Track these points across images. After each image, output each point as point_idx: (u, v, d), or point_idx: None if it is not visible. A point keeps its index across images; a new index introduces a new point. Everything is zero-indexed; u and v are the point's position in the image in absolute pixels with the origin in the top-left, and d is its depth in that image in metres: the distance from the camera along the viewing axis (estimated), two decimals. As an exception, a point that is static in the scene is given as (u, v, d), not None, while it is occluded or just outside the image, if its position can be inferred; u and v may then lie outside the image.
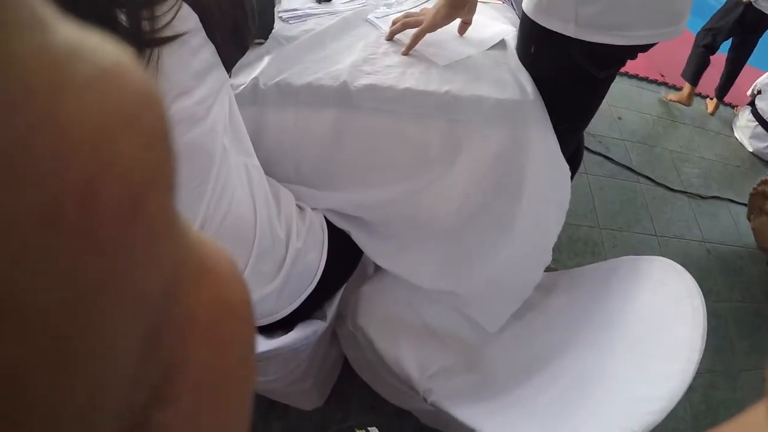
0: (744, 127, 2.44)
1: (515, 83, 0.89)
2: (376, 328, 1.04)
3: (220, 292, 0.13)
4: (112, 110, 0.09)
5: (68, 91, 0.08)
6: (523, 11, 0.92)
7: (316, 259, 0.89)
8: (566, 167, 0.97)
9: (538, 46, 0.92)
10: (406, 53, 0.96)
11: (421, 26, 0.94)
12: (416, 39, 0.95)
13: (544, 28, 0.88)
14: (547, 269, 1.07)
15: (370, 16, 1.10)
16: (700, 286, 1.96)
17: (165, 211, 0.10)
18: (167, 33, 0.62)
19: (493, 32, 1.03)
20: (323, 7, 1.17)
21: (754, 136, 2.39)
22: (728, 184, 2.26)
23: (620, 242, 1.87)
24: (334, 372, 1.33)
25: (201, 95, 0.67)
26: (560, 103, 0.94)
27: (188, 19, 0.63)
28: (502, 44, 1.01)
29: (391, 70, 0.90)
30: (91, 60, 0.09)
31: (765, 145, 2.37)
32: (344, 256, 0.98)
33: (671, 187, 2.13)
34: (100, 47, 0.10)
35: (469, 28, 1.01)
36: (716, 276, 1.93)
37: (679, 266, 0.97)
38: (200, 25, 0.65)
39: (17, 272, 0.07)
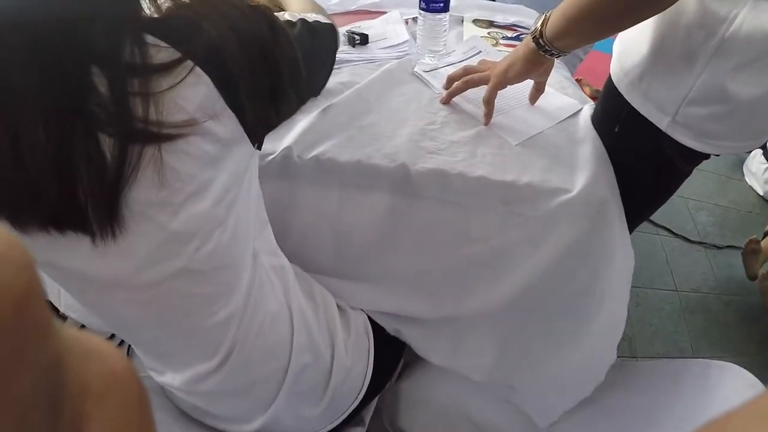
0: (756, 170, 2.40)
1: (599, 173, 0.76)
2: (420, 430, 0.90)
3: (104, 365, 0.15)
4: None
5: None
6: (612, 84, 0.79)
7: (361, 373, 0.74)
8: (633, 263, 0.85)
9: (625, 127, 0.79)
10: (487, 124, 0.82)
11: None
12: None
13: (636, 111, 0.76)
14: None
15: (417, 70, 0.96)
16: (721, 344, 1.88)
17: (41, 311, 0.12)
18: (170, 120, 0.44)
19: (564, 103, 0.90)
20: (358, 52, 1.02)
21: (765, 180, 2.35)
22: (742, 231, 2.20)
23: (643, 300, 1.78)
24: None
25: (218, 189, 0.50)
26: (635, 189, 0.82)
27: (197, 86, 0.45)
28: (574, 115, 0.88)
29: (458, 150, 0.76)
30: None
31: (777, 187, 2.33)
32: (388, 359, 0.84)
33: (689, 238, 2.06)
34: None
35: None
36: (734, 330, 1.86)
37: (751, 376, 0.89)
38: (215, 91, 0.46)
39: None
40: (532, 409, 0.95)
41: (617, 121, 0.80)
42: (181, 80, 0.43)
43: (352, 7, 1.23)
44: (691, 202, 2.24)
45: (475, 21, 1.19)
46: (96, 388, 0.15)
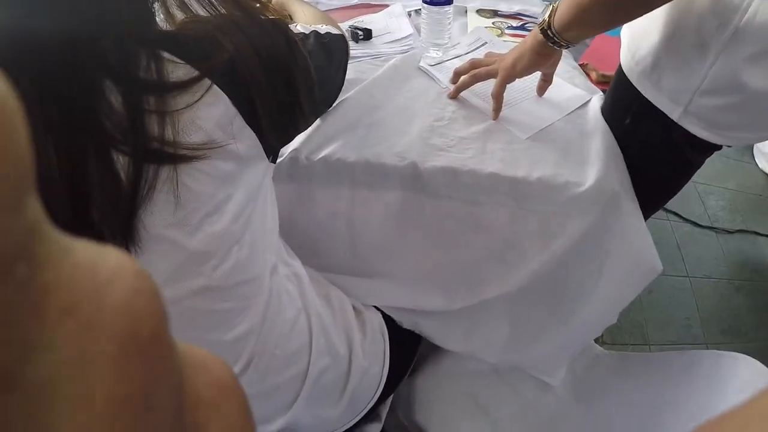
0: (767, 152, 2.36)
1: (610, 166, 0.75)
2: (436, 424, 0.92)
3: (212, 376, 0.17)
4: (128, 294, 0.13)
5: (97, 302, 0.12)
6: (623, 75, 0.78)
7: (378, 373, 0.75)
8: (652, 248, 0.85)
9: (636, 118, 0.78)
10: (495, 118, 0.81)
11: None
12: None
13: (648, 101, 0.74)
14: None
15: (423, 64, 0.95)
16: (733, 330, 1.87)
17: (170, 334, 0.14)
18: (186, 141, 0.43)
19: (572, 93, 0.88)
20: (362, 48, 1.01)
21: (779, 161, 2.32)
22: (751, 215, 2.18)
23: (655, 287, 1.77)
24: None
25: (235, 207, 0.50)
26: (646, 181, 0.81)
27: (215, 105, 0.44)
28: (582, 106, 0.87)
29: (468, 146, 0.75)
30: (103, 269, 0.12)
31: (788, 170, 2.30)
32: (403, 357, 0.84)
33: (699, 223, 2.04)
34: (101, 257, 0.12)
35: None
36: (745, 316, 1.85)
37: (763, 367, 0.91)
38: (233, 109, 0.46)
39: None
40: (541, 373, 0.98)
41: (628, 112, 0.78)
42: (199, 99, 0.43)
43: (354, 1, 1.22)
44: (700, 186, 2.22)
45: (479, 11, 1.17)
46: (207, 398, 0.16)
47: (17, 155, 0.10)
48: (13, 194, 0.10)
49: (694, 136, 0.73)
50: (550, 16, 0.70)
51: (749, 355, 1.61)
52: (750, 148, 2.50)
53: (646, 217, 0.86)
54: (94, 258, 0.12)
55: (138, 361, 0.12)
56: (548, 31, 0.70)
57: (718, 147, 0.78)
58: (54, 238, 0.12)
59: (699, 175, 2.44)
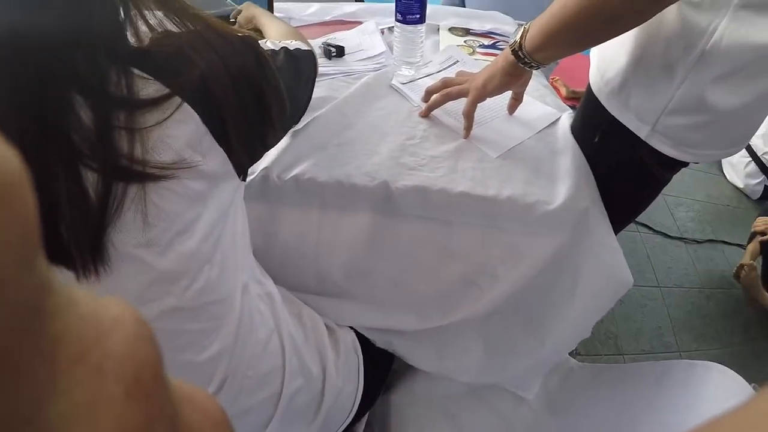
0: (736, 163, 2.43)
1: (580, 183, 0.76)
2: None
3: (203, 411, 0.18)
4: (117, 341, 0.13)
5: (102, 350, 0.12)
6: (592, 94, 0.79)
7: (352, 392, 0.74)
8: (623, 262, 0.87)
9: (605, 137, 0.80)
10: (466, 137, 0.81)
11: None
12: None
13: (616, 120, 0.76)
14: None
15: (395, 82, 0.95)
16: (705, 338, 1.91)
17: (166, 372, 0.14)
18: (156, 159, 0.42)
19: (542, 112, 0.90)
20: (335, 65, 1.01)
21: (746, 174, 2.39)
22: (720, 225, 2.25)
23: (626, 298, 1.79)
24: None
25: (205, 226, 0.49)
26: (616, 197, 0.83)
27: (185, 123, 0.44)
28: (552, 124, 0.88)
29: (438, 165, 0.76)
30: (105, 318, 0.13)
31: (756, 182, 2.35)
32: (377, 374, 0.83)
33: (669, 234, 2.09)
34: (103, 307, 0.13)
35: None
36: (717, 323, 1.89)
37: (736, 375, 0.92)
38: (203, 127, 0.46)
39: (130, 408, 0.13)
40: (516, 388, 0.99)
41: (597, 130, 0.80)
42: (169, 116, 0.42)
43: (327, 18, 1.22)
44: (669, 198, 2.27)
45: (451, 29, 1.19)
46: (197, 428, 0.17)
47: (27, 218, 0.11)
48: (26, 254, 0.11)
49: (662, 153, 0.74)
50: (521, 38, 0.71)
51: (722, 360, 1.64)
52: (718, 161, 2.57)
53: (616, 231, 0.87)
54: (97, 308, 0.13)
55: (143, 402, 0.13)
56: (519, 52, 0.71)
57: (685, 164, 0.80)
58: (61, 290, 0.12)
59: (668, 187, 2.50)
